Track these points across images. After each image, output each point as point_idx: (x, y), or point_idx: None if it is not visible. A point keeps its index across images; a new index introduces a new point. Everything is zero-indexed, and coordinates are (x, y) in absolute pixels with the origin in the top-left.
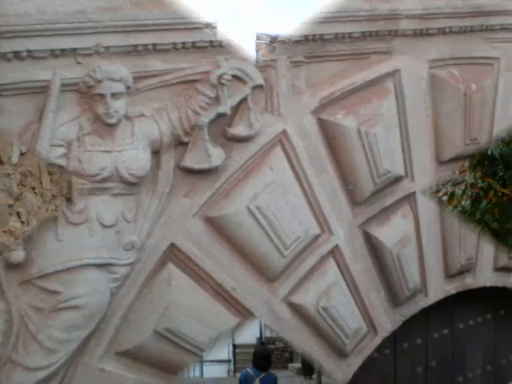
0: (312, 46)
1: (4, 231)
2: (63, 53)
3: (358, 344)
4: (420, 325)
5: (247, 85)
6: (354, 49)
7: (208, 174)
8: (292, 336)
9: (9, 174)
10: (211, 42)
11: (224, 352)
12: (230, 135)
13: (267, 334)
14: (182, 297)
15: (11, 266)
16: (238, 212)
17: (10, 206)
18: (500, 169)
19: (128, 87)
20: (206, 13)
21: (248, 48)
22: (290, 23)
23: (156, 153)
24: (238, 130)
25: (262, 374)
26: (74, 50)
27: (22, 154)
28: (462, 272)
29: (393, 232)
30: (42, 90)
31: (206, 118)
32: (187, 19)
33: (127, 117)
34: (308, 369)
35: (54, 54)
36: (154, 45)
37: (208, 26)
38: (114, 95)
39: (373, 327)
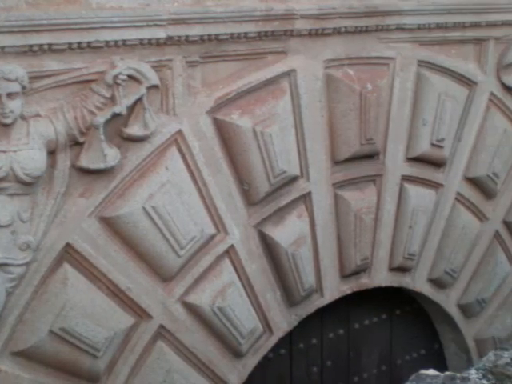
0: (207, 46)
1: None
2: None
3: (253, 344)
4: (315, 325)
5: (143, 85)
6: (249, 49)
7: (103, 174)
8: (187, 336)
9: None
10: (107, 41)
11: None
12: (125, 135)
13: None
14: (77, 297)
15: None
16: (134, 212)
17: None
18: None
19: (23, 87)
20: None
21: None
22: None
23: (52, 153)
24: (134, 130)
25: None
26: None
27: None
28: (358, 272)
29: (288, 232)
30: None
31: (101, 118)
32: (83, 19)
33: (23, 117)
34: None
35: None
36: (50, 45)
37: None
38: (10, 95)
39: (268, 327)
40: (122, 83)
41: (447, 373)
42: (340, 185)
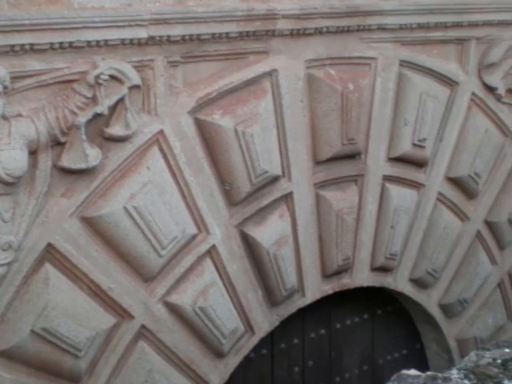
0: (189, 45)
1: None
2: None
3: (235, 344)
4: (297, 325)
5: (124, 85)
6: (231, 49)
7: (85, 174)
8: (169, 336)
9: None
10: (88, 41)
11: None
12: (107, 135)
13: None
14: (59, 297)
15: None
16: (115, 212)
17: None
18: None
19: (5, 87)
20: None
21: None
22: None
23: (33, 153)
24: (115, 130)
25: None
26: None
27: None
28: (339, 272)
29: (270, 232)
30: None
31: (83, 118)
32: (64, 19)
33: (4, 117)
34: None
35: None
36: (31, 45)
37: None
38: None
39: (250, 327)
40: (104, 83)
41: (429, 373)
42: (322, 185)
